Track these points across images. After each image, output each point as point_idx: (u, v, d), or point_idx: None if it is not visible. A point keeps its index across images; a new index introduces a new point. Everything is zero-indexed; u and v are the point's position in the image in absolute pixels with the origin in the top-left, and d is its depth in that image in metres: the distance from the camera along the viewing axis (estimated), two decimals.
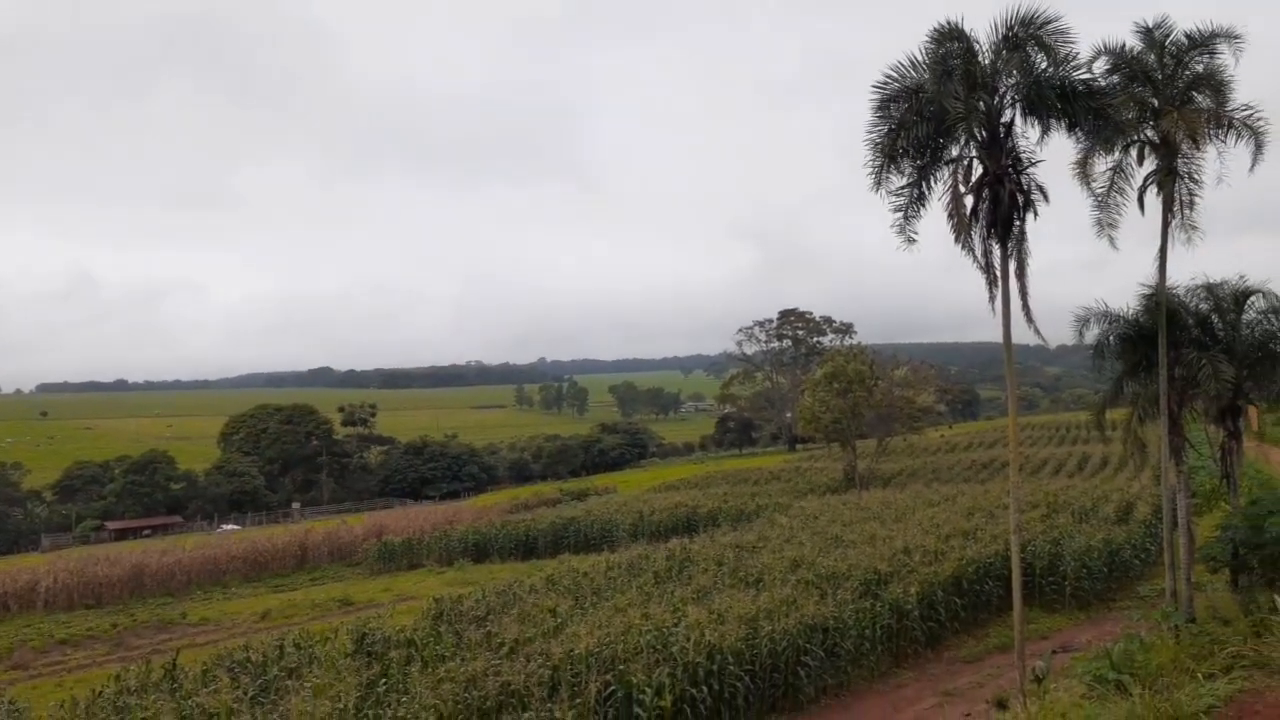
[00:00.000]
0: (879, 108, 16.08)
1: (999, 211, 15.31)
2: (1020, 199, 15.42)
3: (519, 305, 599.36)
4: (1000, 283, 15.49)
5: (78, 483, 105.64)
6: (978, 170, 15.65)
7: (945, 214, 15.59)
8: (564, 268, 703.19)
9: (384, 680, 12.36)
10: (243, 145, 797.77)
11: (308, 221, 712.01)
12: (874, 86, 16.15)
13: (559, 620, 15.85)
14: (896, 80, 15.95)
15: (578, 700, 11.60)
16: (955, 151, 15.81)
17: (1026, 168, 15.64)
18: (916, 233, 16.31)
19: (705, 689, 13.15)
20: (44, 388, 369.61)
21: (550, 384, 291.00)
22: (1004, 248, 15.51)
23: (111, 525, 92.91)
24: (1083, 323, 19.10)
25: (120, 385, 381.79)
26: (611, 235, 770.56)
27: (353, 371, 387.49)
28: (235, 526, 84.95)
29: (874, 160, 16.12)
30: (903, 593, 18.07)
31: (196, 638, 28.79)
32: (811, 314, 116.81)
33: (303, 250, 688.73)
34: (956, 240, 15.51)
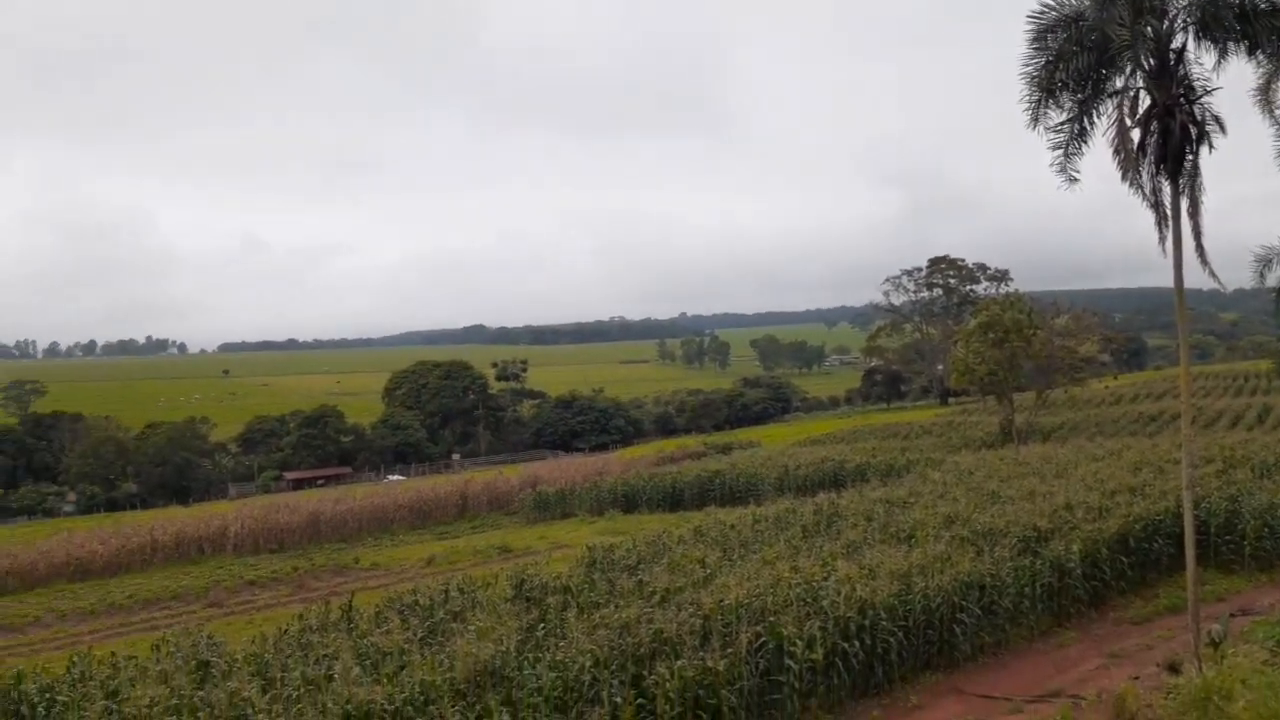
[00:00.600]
0: (1035, 39, 15.17)
1: (1169, 146, 14.24)
2: (1193, 131, 14.29)
3: (660, 260, 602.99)
4: (1171, 222, 14.47)
5: (258, 435, 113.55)
6: (1145, 102, 14.57)
7: (1110, 150, 14.64)
8: (705, 221, 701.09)
9: (542, 625, 12.86)
10: (397, 110, 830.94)
11: (460, 182, 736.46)
12: (1029, 16, 15.24)
13: (708, 571, 16.06)
14: (1054, 8, 14.99)
15: (729, 650, 11.77)
16: (1120, 83, 14.77)
17: (1200, 97, 14.45)
18: (1078, 171, 15.40)
19: (857, 643, 13.10)
20: (225, 347, 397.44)
21: (691, 338, 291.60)
22: (1175, 185, 14.45)
23: (289, 475, 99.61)
24: (1263, 263, 17.68)
25: (291, 344, 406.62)
26: (753, 186, 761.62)
27: (504, 328, 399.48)
28: (400, 477, 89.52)
29: (1030, 95, 15.25)
30: (1064, 550, 17.39)
31: (368, 581, 30.65)
32: (964, 261, 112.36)
33: (455, 210, 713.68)
34: (1123, 178, 14.55)
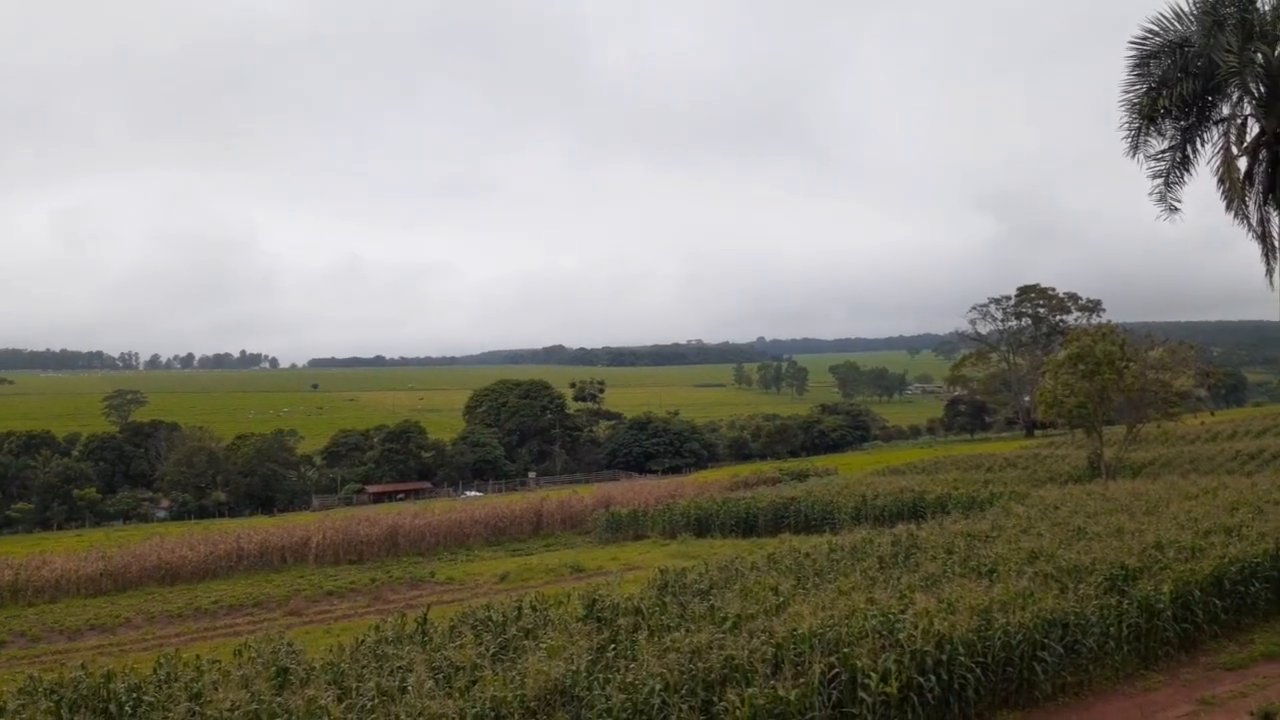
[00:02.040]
0: (1137, 65, 14.82)
1: (1279, 175, 13.75)
2: None
3: (741, 284, 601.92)
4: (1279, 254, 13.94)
5: (342, 449, 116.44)
6: (1253, 130, 14.12)
7: (1214, 179, 14.20)
8: (789, 245, 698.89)
9: (613, 646, 12.84)
10: (497, 134, 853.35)
11: (552, 205, 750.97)
12: (1131, 42, 14.93)
13: (781, 599, 15.84)
14: (1158, 34, 14.62)
15: (801, 680, 11.58)
16: (1226, 110, 14.37)
17: None
18: (1179, 201, 14.99)
19: (933, 678, 12.75)
20: (315, 362, 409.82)
21: (769, 363, 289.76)
22: None
23: (371, 489, 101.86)
24: None
25: (379, 361, 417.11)
26: (842, 210, 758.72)
27: (583, 349, 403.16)
28: (478, 493, 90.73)
29: (1130, 122, 14.92)
30: (1154, 590, 16.68)
31: (443, 595, 31.05)
32: (1054, 290, 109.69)
33: (545, 233, 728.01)
34: (1228, 208, 14.12)
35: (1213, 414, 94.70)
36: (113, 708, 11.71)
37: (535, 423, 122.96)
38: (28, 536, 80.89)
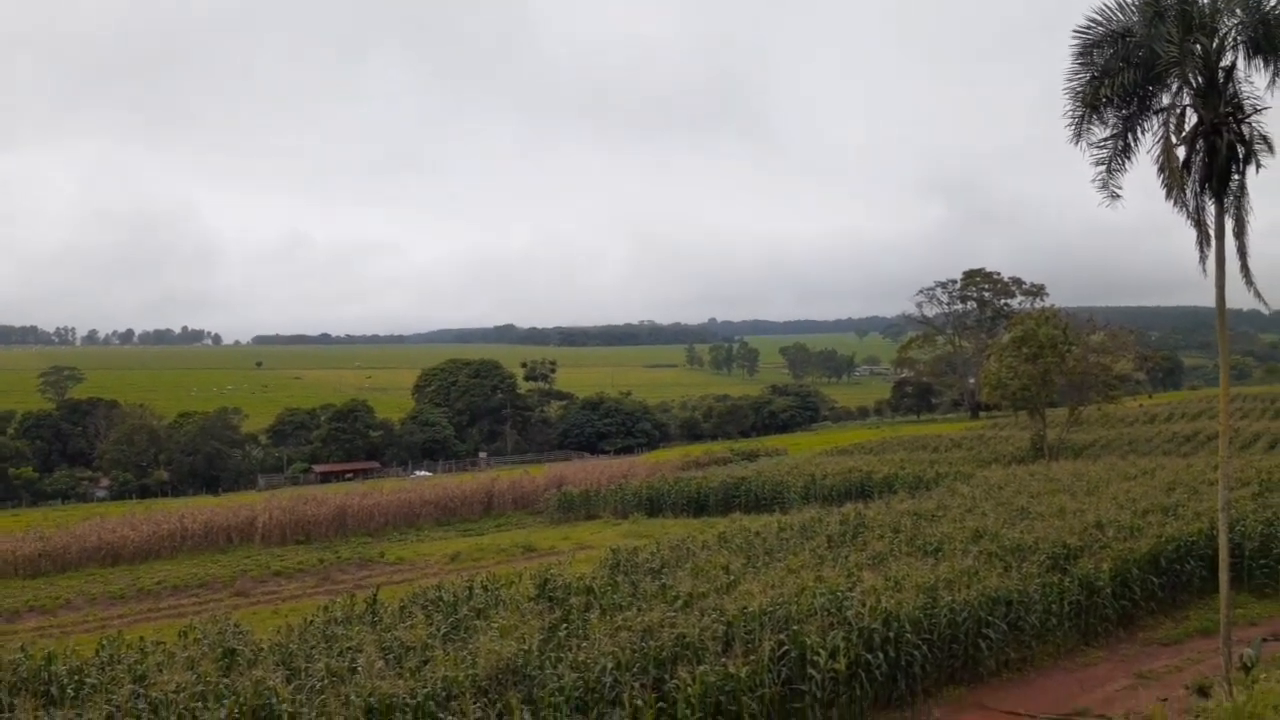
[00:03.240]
0: (1081, 54, 15.03)
1: (1215, 164, 14.05)
2: (1240, 150, 14.10)
3: (692, 266, 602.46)
4: (1214, 242, 14.26)
5: (288, 428, 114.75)
6: (1191, 119, 14.40)
7: (1154, 167, 14.48)
8: (739, 228, 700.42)
9: (565, 625, 12.89)
10: (447, 112, 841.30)
11: (502, 185, 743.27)
12: (1075, 31, 15.10)
13: (732, 577, 16.02)
14: (1101, 24, 14.84)
15: (751, 657, 11.74)
16: (1166, 100, 14.59)
17: (1249, 116, 14.25)
18: (1120, 188, 15.24)
19: (881, 655, 13.01)
20: (259, 339, 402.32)
21: (721, 344, 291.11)
22: (1220, 204, 14.25)
23: (318, 468, 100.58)
24: None
25: (324, 339, 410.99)
26: (792, 194, 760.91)
27: (534, 329, 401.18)
28: (427, 473, 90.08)
29: (1074, 110, 15.11)
30: (1094, 568, 17.17)
31: (393, 575, 30.86)
32: (999, 274, 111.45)
33: (493, 212, 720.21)
34: (1167, 196, 14.37)
35: (1150, 397, 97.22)
36: (54, 690, 11.50)
37: (486, 402, 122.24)
38: None
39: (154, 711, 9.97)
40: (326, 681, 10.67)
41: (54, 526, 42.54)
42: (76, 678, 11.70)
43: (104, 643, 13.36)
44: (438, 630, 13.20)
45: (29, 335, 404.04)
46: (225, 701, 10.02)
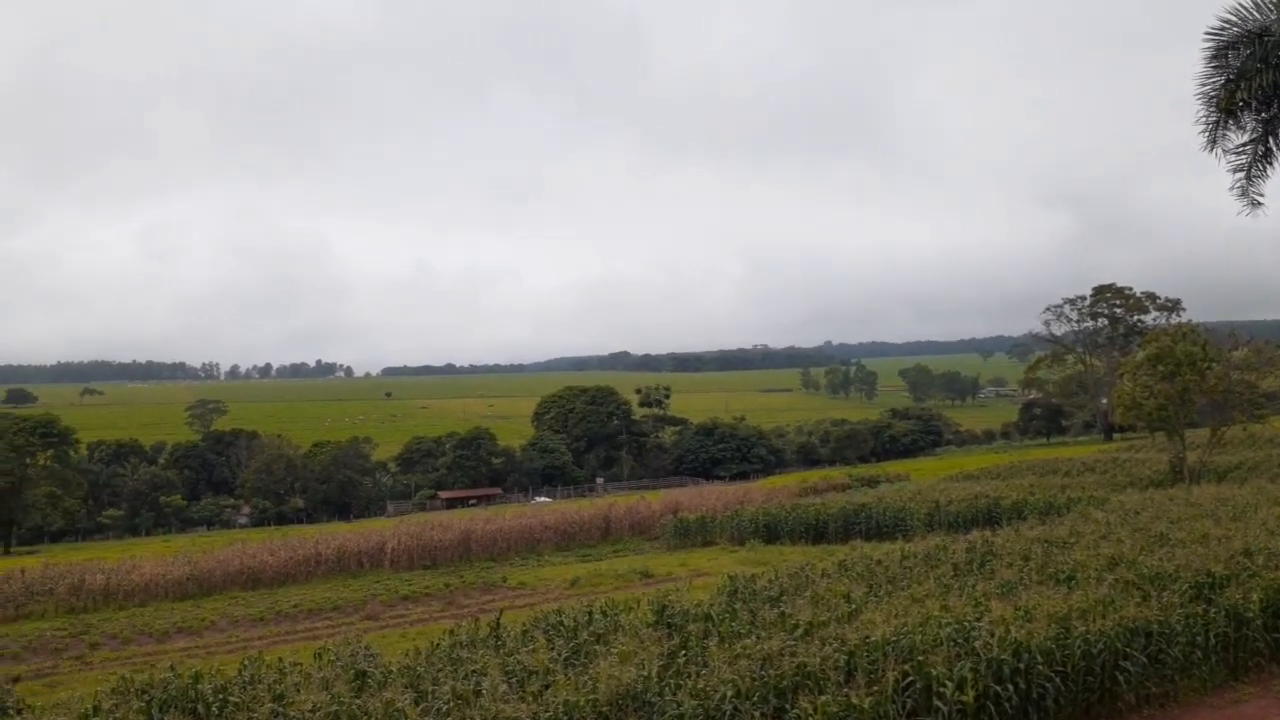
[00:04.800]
0: (1214, 56, 14.39)
1: None
2: None
3: (807, 288, 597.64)
4: None
5: (415, 455, 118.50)
6: None
7: None
8: (855, 247, 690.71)
9: (683, 652, 12.86)
10: (562, 138, 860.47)
11: (615, 208, 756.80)
12: (1208, 33, 14.46)
13: (853, 606, 15.68)
14: (1236, 24, 14.18)
15: (874, 688, 11.47)
16: None
17: None
18: (1262, 195, 14.50)
19: (1010, 687, 12.51)
20: (388, 371, 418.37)
21: (837, 367, 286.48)
22: None
23: (443, 494, 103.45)
24: None
25: (449, 369, 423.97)
26: (913, 211, 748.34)
27: (648, 355, 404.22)
28: (547, 499, 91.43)
29: (1207, 116, 14.49)
30: (1242, 599, 16.12)
31: (515, 600, 31.38)
32: (1131, 290, 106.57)
33: (610, 238, 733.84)
34: None
35: None
36: (200, 708, 12.11)
37: (602, 429, 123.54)
38: (118, 542, 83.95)
39: None
40: (452, 704, 10.94)
41: (200, 551, 44.94)
42: (221, 696, 12.29)
43: (245, 663, 14.01)
44: (559, 655, 13.36)
45: (178, 371, 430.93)
46: None
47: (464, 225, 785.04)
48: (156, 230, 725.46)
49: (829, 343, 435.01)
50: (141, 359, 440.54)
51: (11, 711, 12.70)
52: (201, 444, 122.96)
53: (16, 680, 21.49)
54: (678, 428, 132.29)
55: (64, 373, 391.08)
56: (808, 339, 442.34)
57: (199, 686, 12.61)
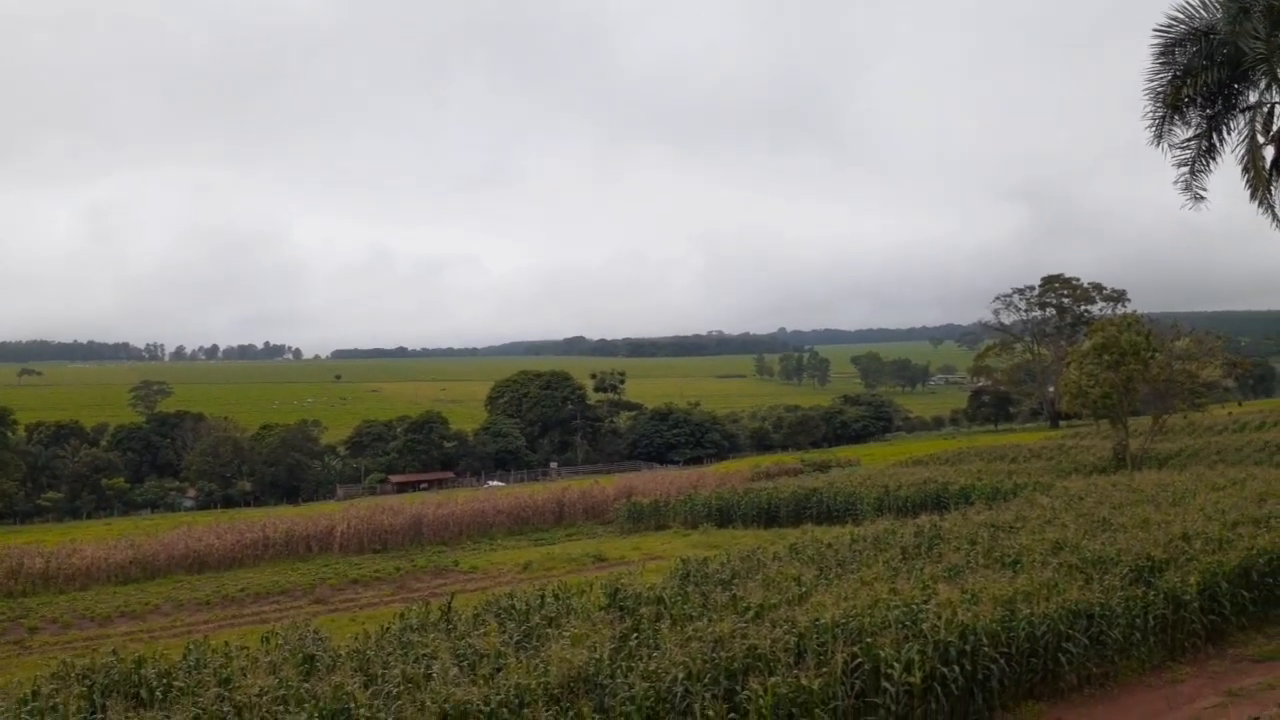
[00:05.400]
0: (1161, 53, 14.67)
1: None
2: None
3: (763, 276, 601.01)
4: None
5: (366, 439, 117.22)
6: None
7: (1240, 168, 14.02)
8: (811, 237, 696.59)
9: (635, 634, 12.91)
10: (522, 128, 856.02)
11: (575, 198, 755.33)
12: (1156, 29, 14.75)
13: (803, 589, 15.85)
14: (1183, 21, 14.45)
15: (824, 669, 11.61)
16: (1253, 97, 14.17)
17: None
18: (1205, 189, 14.85)
19: (957, 668, 12.74)
20: (338, 353, 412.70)
21: (791, 354, 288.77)
22: None
23: (394, 479, 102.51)
24: None
25: (401, 352, 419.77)
26: (863, 201, 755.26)
27: (603, 340, 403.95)
28: (500, 483, 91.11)
29: (1155, 111, 14.77)
30: (1180, 582, 16.56)
31: (467, 584, 31.26)
32: (1078, 280, 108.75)
33: (567, 225, 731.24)
34: (1253, 197, 13.94)
35: (1240, 404, 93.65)
36: (144, 693, 11.90)
37: (557, 413, 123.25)
38: (58, 525, 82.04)
39: (238, 714, 10.27)
40: (403, 687, 10.87)
41: (144, 535, 44.12)
42: (165, 681, 12.10)
43: (190, 647, 13.80)
44: (510, 638, 13.34)
45: (121, 351, 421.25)
46: (305, 706, 10.27)
47: (423, 212, 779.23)
48: (102, 210, 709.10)
49: (783, 330, 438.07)
50: (83, 339, 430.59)
51: None
52: (145, 426, 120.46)
53: None
54: (632, 412, 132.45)
55: (0, 352, 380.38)
56: (763, 326, 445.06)
57: (142, 671, 12.39)
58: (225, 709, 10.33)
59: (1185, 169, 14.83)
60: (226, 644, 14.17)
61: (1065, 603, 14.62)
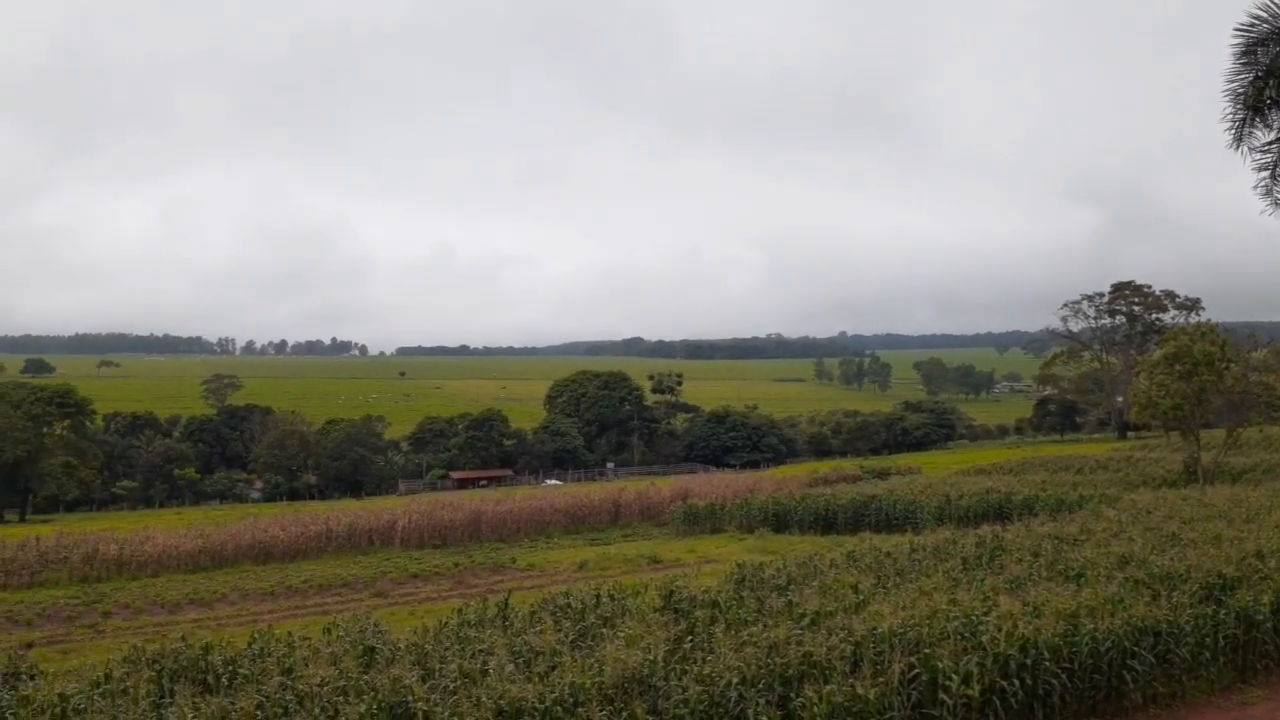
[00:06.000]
0: (1243, 53, 14.19)
1: None
2: None
3: (824, 277, 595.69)
4: None
5: (428, 435, 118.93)
6: None
7: None
8: (874, 238, 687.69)
9: (690, 637, 12.89)
10: (585, 124, 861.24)
11: (635, 195, 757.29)
12: (1237, 29, 14.25)
13: (861, 597, 15.68)
14: (1266, 20, 13.96)
15: (880, 679, 11.47)
16: None
17: None
18: None
19: (1017, 682, 12.49)
20: (402, 350, 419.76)
21: (851, 358, 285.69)
22: None
23: (454, 475, 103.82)
24: None
25: (463, 350, 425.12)
26: (934, 203, 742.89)
27: (661, 341, 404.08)
28: (558, 482, 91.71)
29: (1234, 113, 14.30)
30: (1253, 601, 16.02)
31: (524, 581, 31.52)
32: (1150, 287, 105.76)
33: (627, 223, 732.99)
34: None
35: None
36: (210, 679, 12.24)
37: (614, 414, 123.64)
38: (132, 513, 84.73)
39: (299, 703, 10.50)
40: (459, 682, 11.01)
41: (213, 525, 45.33)
42: (230, 668, 12.43)
43: (255, 636, 14.14)
44: (566, 637, 13.42)
45: (194, 345, 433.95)
46: (365, 697, 10.46)
47: (483, 209, 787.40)
48: (177, 207, 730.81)
49: (844, 333, 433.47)
50: (159, 333, 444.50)
51: (25, 677, 12.86)
52: (216, 418, 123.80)
53: (30, 646, 21.77)
54: (689, 415, 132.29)
55: (81, 344, 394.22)
56: (823, 329, 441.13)
57: (209, 658, 12.74)
58: (288, 697, 10.57)
59: (1266, 173, 14.35)
60: (290, 634, 14.50)
61: (1131, 619, 14.24)
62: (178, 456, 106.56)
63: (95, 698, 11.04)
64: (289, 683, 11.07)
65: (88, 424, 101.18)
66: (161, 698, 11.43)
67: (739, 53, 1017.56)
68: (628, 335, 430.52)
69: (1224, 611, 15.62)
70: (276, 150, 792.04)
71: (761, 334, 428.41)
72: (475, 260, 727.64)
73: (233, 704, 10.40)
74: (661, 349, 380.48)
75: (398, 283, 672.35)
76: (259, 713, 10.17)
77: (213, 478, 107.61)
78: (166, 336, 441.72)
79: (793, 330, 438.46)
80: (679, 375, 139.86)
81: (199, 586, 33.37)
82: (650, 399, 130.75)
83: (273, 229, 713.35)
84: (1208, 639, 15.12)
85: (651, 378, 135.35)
